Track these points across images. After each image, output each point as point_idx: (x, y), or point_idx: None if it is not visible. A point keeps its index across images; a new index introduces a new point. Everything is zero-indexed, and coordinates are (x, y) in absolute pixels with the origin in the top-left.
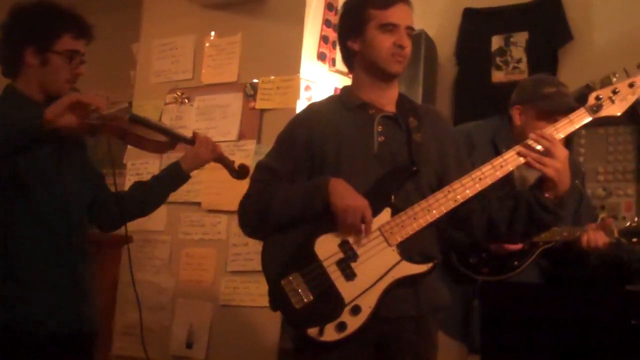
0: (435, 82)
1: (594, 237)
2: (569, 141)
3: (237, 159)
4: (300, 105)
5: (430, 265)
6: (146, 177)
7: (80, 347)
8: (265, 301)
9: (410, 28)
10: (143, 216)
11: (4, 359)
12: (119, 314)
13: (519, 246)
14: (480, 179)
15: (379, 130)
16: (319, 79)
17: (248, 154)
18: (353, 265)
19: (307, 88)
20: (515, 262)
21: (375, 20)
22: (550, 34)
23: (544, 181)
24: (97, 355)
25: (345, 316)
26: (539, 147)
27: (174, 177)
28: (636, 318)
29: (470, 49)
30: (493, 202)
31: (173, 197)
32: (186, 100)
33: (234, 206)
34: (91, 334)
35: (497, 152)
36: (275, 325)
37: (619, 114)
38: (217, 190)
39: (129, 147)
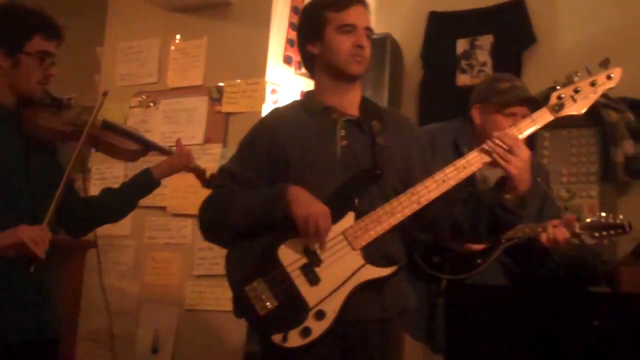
0: (401, 85)
1: (554, 232)
2: (532, 143)
3: (203, 163)
4: (267, 109)
5: (394, 268)
6: (111, 182)
7: (41, 354)
8: (231, 305)
9: (368, 29)
10: (113, 222)
11: None
12: (83, 320)
13: (481, 245)
14: (443, 181)
15: (342, 134)
16: (285, 82)
17: (214, 158)
18: (317, 270)
19: (273, 91)
20: (479, 260)
21: (333, 22)
22: (514, 37)
23: (505, 181)
24: None
25: (310, 321)
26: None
27: (144, 184)
28: (598, 319)
29: (436, 52)
30: (456, 204)
31: None
32: (151, 104)
33: None
34: (53, 340)
35: (459, 153)
36: (241, 329)
37: (581, 112)
38: (182, 194)
39: (93, 151)
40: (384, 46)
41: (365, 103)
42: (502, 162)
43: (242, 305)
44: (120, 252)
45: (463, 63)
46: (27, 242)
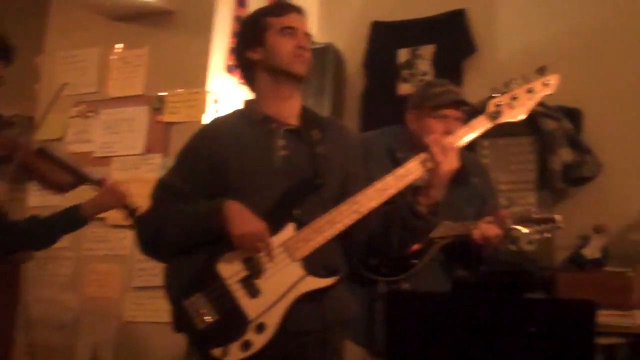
0: (343, 94)
1: (485, 229)
2: (472, 151)
3: (144, 173)
4: (208, 119)
5: (335, 278)
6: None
7: None
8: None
9: (307, 35)
10: (35, 251)
11: None
12: (20, 334)
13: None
14: (384, 189)
15: (282, 144)
16: (228, 91)
17: (155, 168)
18: (257, 282)
19: (215, 101)
20: (414, 261)
21: (274, 26)
22: (455, 46)
23: (420, 188)
24: None
25: (250, 334)
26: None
27: (71, 220)
28: (534, 325)
29: (378, 61)
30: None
31: None
32: (92, 114)
33: None
34: None
35: (394, 158)
36: (181, 341)
37: (519, 119)
38: None
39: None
40: (327, 55)
41: (305, 112)
42: (437, 159)
43: (181, 320)
44: (59, 264)
45: (405, 72)
46: None
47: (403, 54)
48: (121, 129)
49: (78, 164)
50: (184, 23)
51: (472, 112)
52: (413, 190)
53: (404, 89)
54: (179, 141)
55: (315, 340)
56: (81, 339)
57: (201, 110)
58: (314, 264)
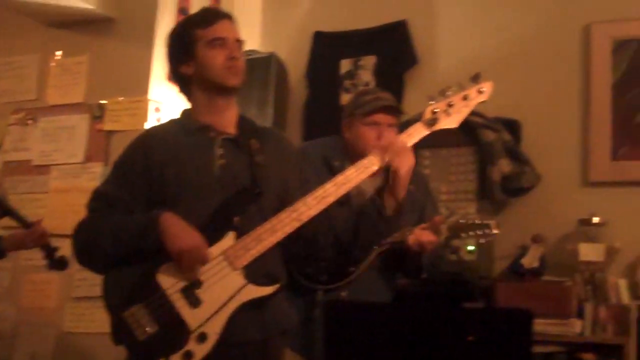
0: (286, 105)
1: (419, 235)
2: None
3: (84, 182)
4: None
5: (275, 287)
6: None
7: None
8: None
9: (239, 41)
10: None
11: None
12: None
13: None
14: (323, 197)
15: (220, 153)
16: (169, 100)
17: (95, 177)
18: (198, 292)
19: (157, 110)
20: (352, 269)
21: (203, 39)
22: (397, 58)
23: (382, 191)
24: None
25: (192, 344)
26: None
27: None
28: (472, 334)
29: (320, 72)
30: (337, 219)
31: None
32: (30, 121)
33: None
34: None
35: (330, 167)
36: (122, 352)
37: (455, 126)
38: (60, 214)
39: None
40: (269, 65)
41: (242, 121)
42: (395, 163)
43: (121, 332)
44: None
45: (347, 83)
46: None
47: (345, 65)
48: (61, 137)
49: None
50: (125, 30)
51: (413, 122)
52: (376, 193)
53: (347, 99)
54: (119, 150)
55: (255, 350)
56: (19, 350)
57: (142, 118)
58: (254, 272)
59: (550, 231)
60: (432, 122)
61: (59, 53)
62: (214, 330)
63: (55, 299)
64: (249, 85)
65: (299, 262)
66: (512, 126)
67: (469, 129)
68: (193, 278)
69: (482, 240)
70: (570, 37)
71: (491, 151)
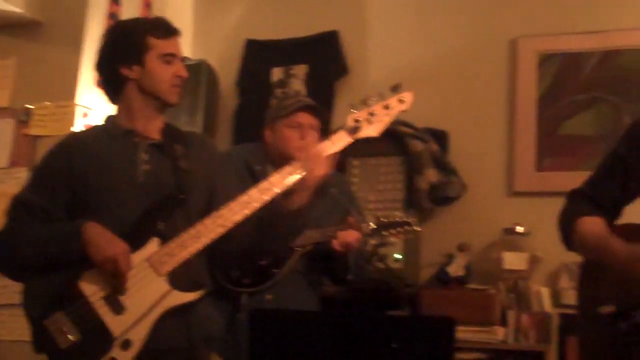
0: (216, 112)
1: (343, 235)
2: (341, 170)
3: (9, 188)
4: None
5: (200, 292)
6: None
7: None
8: None
9: (183, 60)
10: None
11: None
12: None
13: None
14: (247, 203)
15: (145, 158)
16: (98, 105)
17: (20, 182)
18: (122, 298)
19: (85, 115)
20: (274, 270)
21: (156, 49)
22: (327, 67)
23: (286, 196)
24: None
25: (116, 351)
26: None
27: None
28: (396, 342)
29: (252, 80)
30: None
31: None
32: None
33: None
34: None
35: (251, 172)
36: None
37: (377, 134)
38: None
39: None
40: (199, 72)
41: (167, 127)
42: (308, 166)
43: (43, 340)
44: None
45: (278, 91)
46: None
47: (277, 73)
48: None
49: None
50: (53, 34)
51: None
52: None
53: None
54: None
55: (181, 356)
56: None
57: (70, 124)
58: (179, 278)
59: (475, 240)
60: (355, 130)
61: None
62: (138, 336)
63: None
64: None
65: (222, 265)
66: (440, 137)
67: (397, 139)
68: (116, 285)
69: (404, 237)
70: (497, 50)
71: (419, 161)
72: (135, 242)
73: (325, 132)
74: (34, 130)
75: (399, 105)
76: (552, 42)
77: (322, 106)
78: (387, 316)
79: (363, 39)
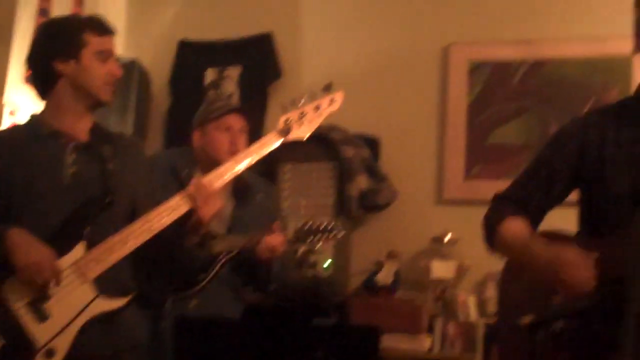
0: (147, 112)
1: (269, 240)
2: (273, 175)
3: None
4: None
5: (127, 299)
6: None
7: None
8: None
9: (117, 59)
10: None
11: None
12: None
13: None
14: (175, 207)
15: (72, 160)
16: (26, 104)
17: None
18: (46, 306)
19: (12, 113)
20: (200, 276)
21: (92, 46)
22: (261, 70)
23: (190, 223)
24: None
25: None
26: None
27: None
28: (321, 350)
29: (184, 80)
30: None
31: None
32: None
33: None
34: None
35: (177, 176)
36: None
37: (307, 135)
38: None
39: None
40: (131, 72)
41: (95, 128)
42: (199, 210)
43: None
44: None
45: (211, 93)
46: None
47: (210, 74)
48: None
49: None
50: None
51: None
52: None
53: None
54: None
55: None
56: None
57: None
58: (105, 284)
59: (405, 248)
60: (285, 131)
61: None
62: (62, 345)
63: None
64: None
65: (147, 270)
66: (372, 143)
67: (329, 145)
68: (40, 292)
69: (328, 242)
70: (429, 57)
71: (350, 167)
72: (61, 247)
73: (257, 135)
74: None
75: (330, 106)
76: (483, 50)
77: (255, 109)
78: (312, 325)
79: (297, 42)
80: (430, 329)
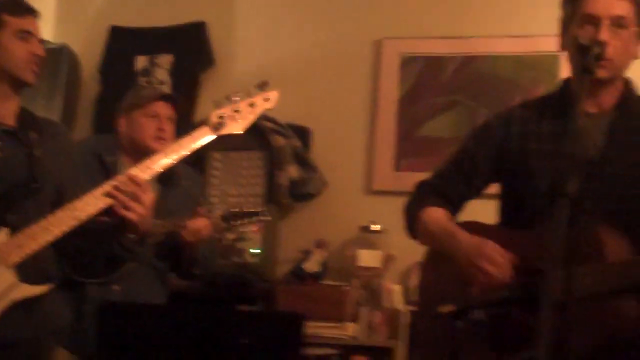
0: (76, 98)
1: (193, 223)
2: (203, 163)
3: None
4: None
5: (48, 285)
6: None
7: None
8: None
9: (41, 41)
10: None
11: None
12: None
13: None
14: (101, 196)
15: None
16: None
17: None
18: None
19: None
20: (123, 261)
21: (11, 26)
22: (193, 58)
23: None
24: None
25: None
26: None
27: None
28: (245, 337)
29: (115, 67)
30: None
31: None
32: None
33: None
34: None
35: (103, 163)
36: None
37: (241, 131)
38: None
39: None
40: (60, 57)
41: (23, 113)
42: (122, 212)
43: None
44: None
45: (142, 80)
46: None
47: (141, 61)
48: None
49: None
50: None
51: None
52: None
53: None
54: None
55: (27, 349)
56: None
57: None
58: (27, 270)
59: (333, 237)
60: (219, 126)
61: None
62: None
63: None
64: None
65: (69, 255)
66: (303, 133)
67: (260, 134)
68: None
69: (254, 227)
70: (362, 50)
71: (280, 156)
72: None
73: (187, 124)
74: None
75: (264, 104)
76: (415, 44)
77: (186, 97)
78: (236, 311)
79: (230, 32)
80: (356, 317)
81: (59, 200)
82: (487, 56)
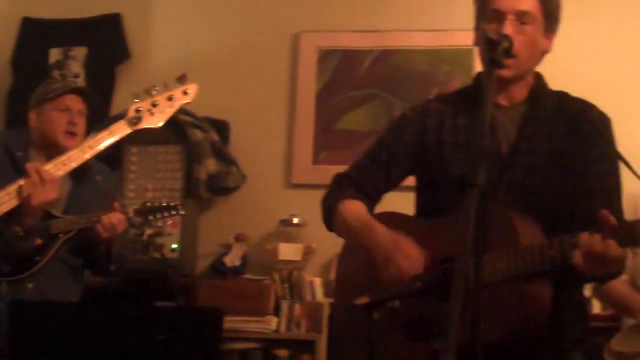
0: None
1: (108, 217)
2: (119, 157)
3: None
4: None
5: None
6: None
7: None
8: None
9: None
10: None
11: None
12: None
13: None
14: (14, 195)
15: None
16: None
17: None
18: None
19: None
20: (37, 258)
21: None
22: (109, 51)
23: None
24: None
25: None
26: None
27: None
28: (163, 333)
29: (28, 59)
30: None
31: None
32: None
33: None
34: None
35: (13, 158)
36: None
37: (158, 125)
38: None
39: None
40: None
41: None
42: (31, 190)
43: None
44: None
45: (56, 73)
46: None
47: (55, 54)
48: None
49: None
50: None
51: (118, 118)
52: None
53: None
54: None
55: None
56: None
57: None
58: None
59: (253, 231)
60: (136, 120)
61: None
62: None
63: None
64: None
65: None
66: (221, 127)
67: (177, 127)
68: None
69: (171, 221)
70: (280, 43)
71: (198, 150)
72: None
73: (101, 117)
74: None
75: (183, 97)
76: (333, 38)
77: (101, 91)
78: (153, 307)
79: (146, 24)
80: (277, 310)
81: None
82: (404, 50)
